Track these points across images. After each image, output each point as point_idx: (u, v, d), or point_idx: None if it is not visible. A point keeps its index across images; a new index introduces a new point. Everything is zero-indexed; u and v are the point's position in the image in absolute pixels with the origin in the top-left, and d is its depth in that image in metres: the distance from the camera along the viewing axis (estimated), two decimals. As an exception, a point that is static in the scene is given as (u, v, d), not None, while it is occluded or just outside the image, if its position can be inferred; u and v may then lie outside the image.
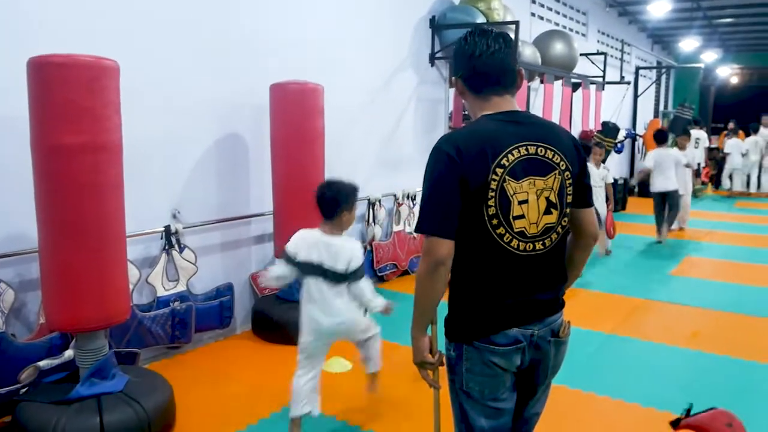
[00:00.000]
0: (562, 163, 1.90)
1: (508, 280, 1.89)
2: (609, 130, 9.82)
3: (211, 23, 4.51)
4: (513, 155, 1.83)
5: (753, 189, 14.17)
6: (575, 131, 9.67)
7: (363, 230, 6.14)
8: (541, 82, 8.05)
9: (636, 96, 14.09)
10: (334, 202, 3.08)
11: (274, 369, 4.22)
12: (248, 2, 4.79)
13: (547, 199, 1.88)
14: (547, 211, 1.88)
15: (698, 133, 12.98)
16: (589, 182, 2.04)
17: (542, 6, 9.56)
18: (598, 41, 11.98)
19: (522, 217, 1.85)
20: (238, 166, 4.85)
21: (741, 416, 3.55)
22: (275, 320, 4.65)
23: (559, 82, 8.31)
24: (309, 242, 3.12)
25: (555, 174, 1.89)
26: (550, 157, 1.88)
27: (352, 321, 3.19)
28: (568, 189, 1.92)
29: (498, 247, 1.85)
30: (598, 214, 7.08)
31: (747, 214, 11.56)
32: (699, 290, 6.33)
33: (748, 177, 14.21)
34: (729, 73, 19.01)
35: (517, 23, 6.68)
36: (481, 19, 6.69)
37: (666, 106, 17.93)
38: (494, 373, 1.92)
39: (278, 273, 3.18)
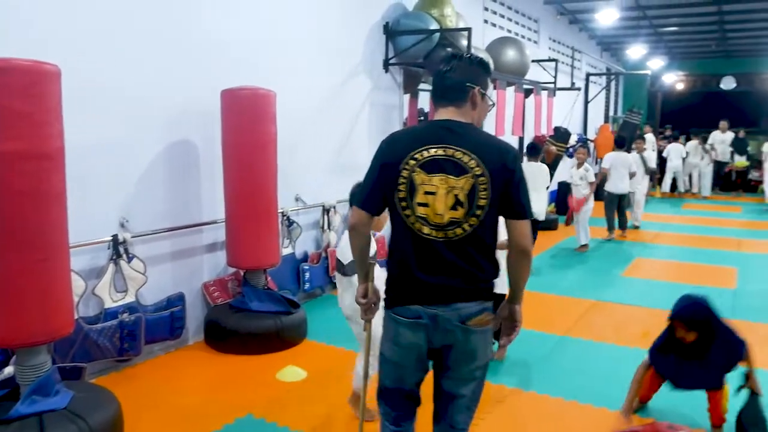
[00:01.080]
0: (477, 168, 2.15)
1: (414, 259, 2.21)
2: (561, 134, 10.00)
3: (161, 27, 4.41)
4: (428, 152, 2.17)
5: (695, 190, 14.72)
6: (528, 136, 9.81)
7: (318, 237, 6.09)
8: (494, 87, 8.14)
9: (587, 101, 14.39)
10: None
11: (228, 380, 4.13)
12: (199, 7, 4.70)
13: (455, 196, 2.15)
14: (454, 207, 2.15)
15: (649, 137, 13.43)
16: (519, 198, 2.19)
17: (495, 13, 9.68)
18: (549, 48, 12.20)
19: (426, 205, 2.17)
20: (189, 173, 4.75)
21: (688, 411, 3.65)
22: (228, 330, 4.56)
23: (512, 87, 8.42)
24: None
25: (468, 177, 2.15)
26: (466, 161, 2.15)
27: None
28: (482, 194, 2.15)
29: (406, 227, 2.21)
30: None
31: (694, 216, 11.92)
32: (649, 291, 6.48)
33: (690, 178, 14.85)
34: (674, 80, 19.59)
35: (469, 30, 6.74)
36: (434, 26, 6.73)
37: (616, 112, 18.38)
38: (400, 342, 2.28)
39: None
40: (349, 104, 6.44)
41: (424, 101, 8.06)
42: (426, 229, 2.17)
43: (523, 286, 2.33)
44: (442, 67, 2.30)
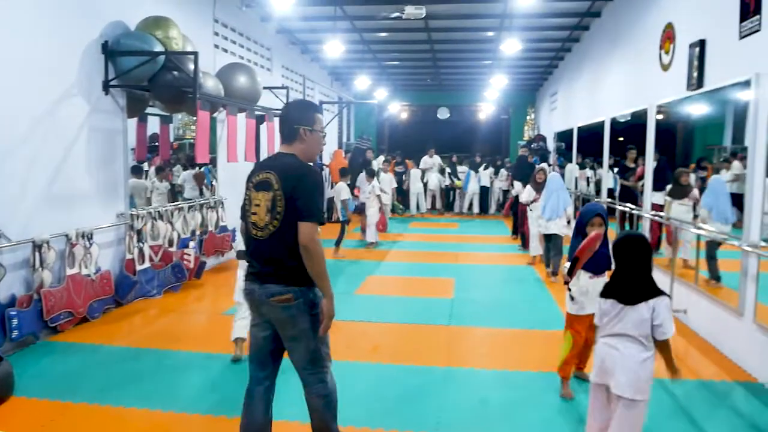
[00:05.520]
0: (276, 184, 2.99)
1: (250, 253, 3.10)
2: (296, 160, 10.28)
3: None
4: (259, 176, 3.07)
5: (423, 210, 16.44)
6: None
7: (28, 277, 5.36)
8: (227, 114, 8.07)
9: (321, 128, 14.99)
10: None
11: None
12: None
13: (266, 206, 2.99)
14: (266, 213, 2.99)
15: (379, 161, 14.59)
16: (299, 204, 2.92)
17: (226, 39, 9.62)
18: (282, 76, 12.49)
19: (255, 214, 3.04)
20: None
21: (416, 414, 3.93)
22: None
23: (243, 113, 8.43)
24: None
25: (272, 191, 2.99)
26: (272, 181, 3.00)
27: None
28: (279, 203, 2.97)
29: (249, 230, 3.08)
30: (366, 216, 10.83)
31: (419, 233, 13.09)
32: (380, 306, 6.91)
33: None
34: (399, 109, 21.46)
35: (196, 54, 6.59)
36: (158, 48, 6.45)
37: (348, 138, 19.48)
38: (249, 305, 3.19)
39: None
40: (64, 128, 5.84)
41: (154, 125, 7.68)
42: (254, 232, 3.03)
43: (320, 280, 2.94)
44: (281, 113, 3.24)
